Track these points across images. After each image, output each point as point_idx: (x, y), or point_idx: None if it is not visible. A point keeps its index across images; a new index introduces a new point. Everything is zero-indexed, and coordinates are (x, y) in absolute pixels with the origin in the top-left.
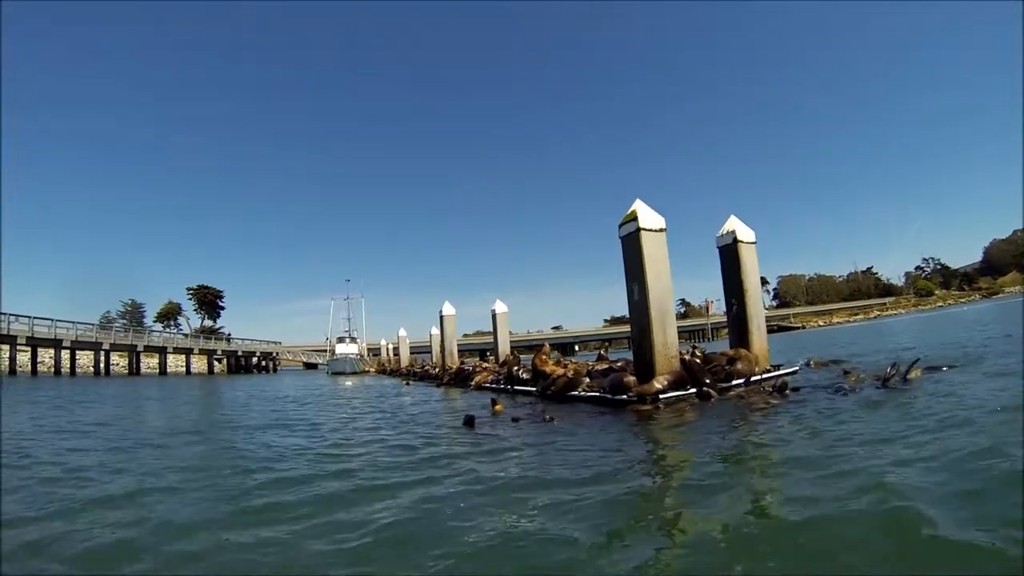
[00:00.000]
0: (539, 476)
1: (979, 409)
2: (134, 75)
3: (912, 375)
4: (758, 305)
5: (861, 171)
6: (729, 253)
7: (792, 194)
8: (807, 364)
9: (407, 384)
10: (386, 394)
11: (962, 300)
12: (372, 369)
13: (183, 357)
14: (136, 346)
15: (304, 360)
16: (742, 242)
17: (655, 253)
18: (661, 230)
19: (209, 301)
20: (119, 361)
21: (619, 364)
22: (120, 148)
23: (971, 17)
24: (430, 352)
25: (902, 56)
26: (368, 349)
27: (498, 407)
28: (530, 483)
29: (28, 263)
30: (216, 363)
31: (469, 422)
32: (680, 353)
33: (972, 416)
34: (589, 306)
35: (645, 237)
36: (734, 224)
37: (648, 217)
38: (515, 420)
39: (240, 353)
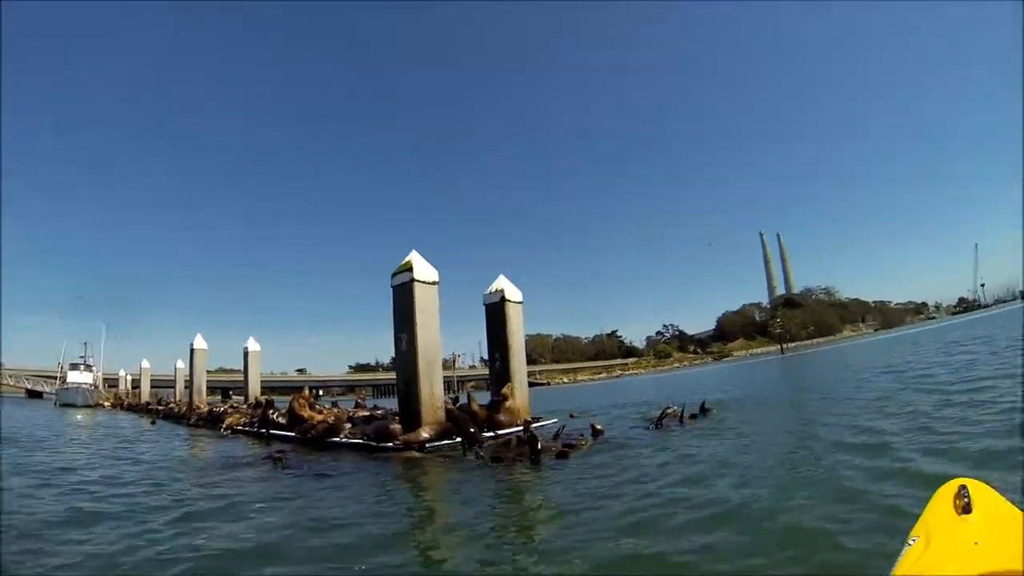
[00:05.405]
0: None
1: None
2: None
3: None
4: (522, 361)
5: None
6: (496, 311)
7: (546, 257)
8: (569, 416)
9: (152, 423)
10: (126, 438)
11: (696, 362)
12: (108, 402)
13: None
14: None
15: (28, 387)
16: (510, 301)
17: (427, 305)
18: (434, 283)
19: None
20: None
21: (380, 412)
22: None
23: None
24: (173, 387)
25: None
26: (104, 379)
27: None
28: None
29: None
30: None
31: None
32: (445, 403)
33: None
34: (331, 352)
35: (418, 288)
36: (503, 284)
37: (423, 269)
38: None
39: None
